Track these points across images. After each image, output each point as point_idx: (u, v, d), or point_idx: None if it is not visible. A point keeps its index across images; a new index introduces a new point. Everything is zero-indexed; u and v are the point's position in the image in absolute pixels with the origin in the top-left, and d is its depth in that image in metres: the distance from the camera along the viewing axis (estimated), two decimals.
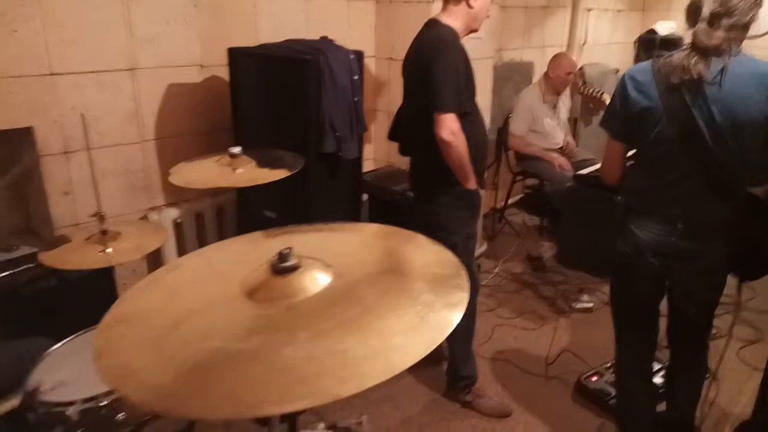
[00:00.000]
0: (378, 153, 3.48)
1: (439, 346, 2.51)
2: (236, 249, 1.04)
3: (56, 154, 2.30)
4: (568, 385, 2.58)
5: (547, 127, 3.90)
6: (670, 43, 4.26)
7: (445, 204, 2.29)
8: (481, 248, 3.80)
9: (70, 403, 1.36)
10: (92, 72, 2.32)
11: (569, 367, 2.69)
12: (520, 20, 4.28)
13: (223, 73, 2.60)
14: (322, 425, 1.53)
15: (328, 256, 0.90)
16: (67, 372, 1.50)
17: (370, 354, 0.70)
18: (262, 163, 1.83)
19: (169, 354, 0.70)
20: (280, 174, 1.77)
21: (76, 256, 1.71)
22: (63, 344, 1.61)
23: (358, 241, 1.07)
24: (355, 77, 2.36)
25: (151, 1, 2.42)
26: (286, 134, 2.23)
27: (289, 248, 0.81)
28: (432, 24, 2.21)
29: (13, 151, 2.35)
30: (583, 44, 4.93)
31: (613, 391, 2.35)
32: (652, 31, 4.46)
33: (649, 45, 4.40)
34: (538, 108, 3.87)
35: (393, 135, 2.50)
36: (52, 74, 2.22)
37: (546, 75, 3.88)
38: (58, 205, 2.34)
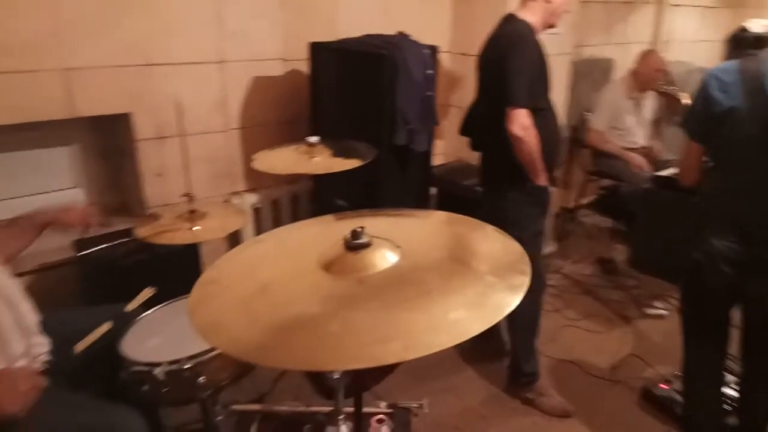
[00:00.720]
0: (449, 148, 3.51)
1: (502, 341, 2.57)
2: (311, 229, 1.12)
3: (150, 139, 2.50)
4: (634, 390, 2.53)
5: (628, 125, 3.78)
6: (764, 41, 4.00)
7: (514, 200, 2.29)
8: (550, 248, 3.76)
9: (157, 364, 1.49)
10: (185, 64, 2.50)
11: (636, 373, 2.63)
12: (600, 15, 4.16)
13: (303, 66, 2.72)
14: (383, 404, 1.60)
15: (396, 239, 0.96)
16: (155, 337, 1.65)
17: (433, 325, 0.76)
18: (337, 152, 1.91)
19: (253, 313, 0.79)
20: (353, 163, 1.85)
21: (167, 233, 1.86)
22: (152, 311, 1.76)
23: (426, 227, 1.12)
24: (429, 72, 2.41)
25: None
26: (361, 126, 2.31)
27: (361, 227, 0.88)
28: (508, 19, 2.22)
29: (114, 135, 2.58)
30: (668, 41, 4.73)
31: (681, 401, 2.28)
32: (744, 29, 4.21)
33: (740, 43, 4.16)
34: (621, 104, 3.76)
35: (464, 130, 2.53)
36: (149, 65, 2.41)
37: (633, 71, 3.76)
38: (150, 186, 2.54)
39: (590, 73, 4.17)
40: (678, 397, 2.32)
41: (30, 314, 1.51)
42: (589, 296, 3.36)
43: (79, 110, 2.30)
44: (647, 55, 3.72)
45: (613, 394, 2.54)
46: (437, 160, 3.47)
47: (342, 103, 2.48)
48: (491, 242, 1.00)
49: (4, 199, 2.39)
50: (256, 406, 1.57)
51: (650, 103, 3.89)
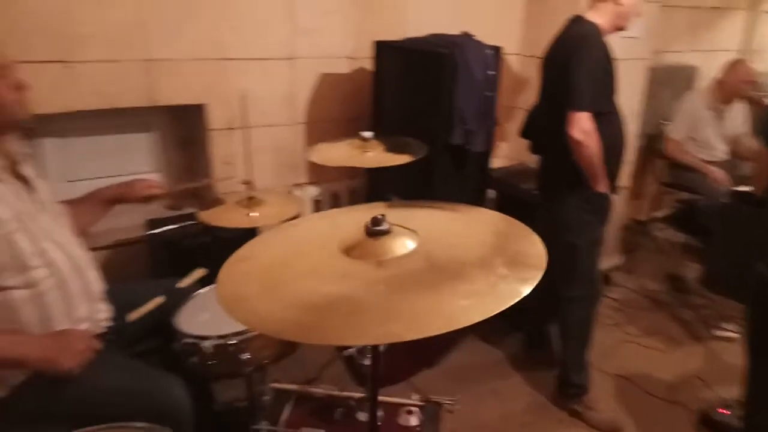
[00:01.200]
0: (512, 151, 3.46)
1: (553, 350, 2.51)
2: (348, 216, 1.15)
3: (221, 129, 2.64)
4: (691, 413, 2.40)
5: (707, 136, 3.58)
6: None
7: (572, 205, 2.25)
8: (615, 260, 3.62)
9: (206, 338, 1.59)
10: (257, 59, 2.63)
11: (696, 395, 2.50)
12: (685, 21, 3.96)
13: (369, 64, 2.79)
14: (416, 396, 1.62)
15: (432, 229, 0.98)
16: (208, 312, 1.75)
17: (437, 309, 0.78)
18: (389, 147, 1.95)
19: (272, 288, 0.84)
20: (403, 159, 1.88)
21: (226, 217, 1.96)
22: (207, 289, 1.87)
23: (467, 222, 1.11)
24: (490, 72, 2.40)
25: None
26: (418, 124, 2.34)
27: (382, 215, 0.91)
28: (576, 20, 2.18)
29: (189, 124, 2.74)
30: (759, 51, 4.41)
31: (740, 428, 2.14)
32: None
33: None
34: (701, 114, 3.56)
35: (525, 132, 2.50)
36: (224, 59, 2.55)
37: (718, 81, 3.55)
38: (219, 173, 2.68)
39: (671, 81, 3.98)
40: (737, 424, 2.18)
41: (96, 283, 1.65)
42: (653, 313, 3.21)
43: (159, 99, 2.47)
44: (736, 65, 3.50)
45: (668, 415, 2.42)
46: (499, 162, 3.43)
47: (402, 101, 2.52)
48: (526, 245, 0.98)
49: (91, 179, 2.60)
50: (293, 386, 1.63)
51: (735, 115, 3.66)
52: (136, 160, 2.73)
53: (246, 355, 1.61)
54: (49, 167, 2.52)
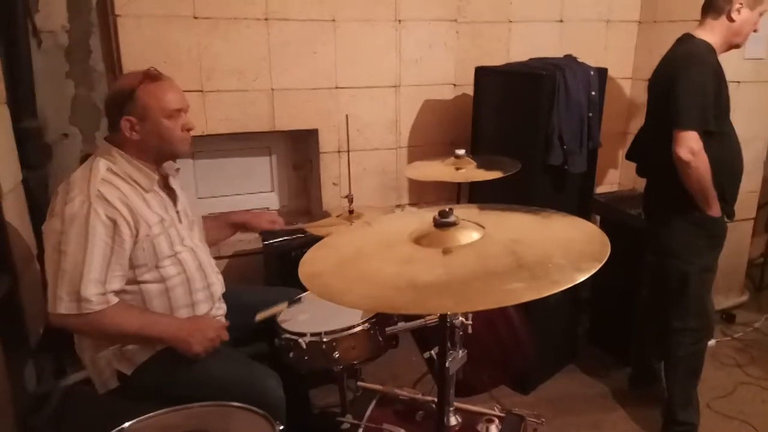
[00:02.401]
0: (623, 177, 3.35)
1: (662, 387, 2.36)
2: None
3: (331, 152, 2.85)
4: None
5: None
6: None
7: (680, 229, 2.15)
8: (742, 297, 3.32)
9: (302, 335, 1.73)
10: (366, 87, 2.82)
11: None
12: None
13: (471, 90, 2.87)
14: (497, 407, 1.62)
15: (504, 227, 1.04)
16: (307, 314, 1.90)
17: (488, 289, 0.83)
18: (481, 164, 2.01)
19: (344, 267, 0.94)
20: (494, 174, 1.94)
21: (328, 229, 2.13)
22: (308, 294, 2.03)
23: (547, 224, 1.13)
24: (593, 93, 2.38)
25: (419, 28, 2.83)
26: (516, 146, 2.37)
27: (450, 208, 0.98)
28: (685, 39, 2.12)
29: (304, 148, 3.00)
30: None
31: None
32: None
33: None
34: None
35: (631, 154, 2.44)
36: (336, 88, 2.77)
37: None
38: (327, 193, 2.89)
39: None
40: None
41: (218, 285, 1.86)
42: None
43: (278, 125, 2.74)
44: None
45: None
46: (609, 188, 3.33)
47: (500, 123, 2.57)
48: (595, 245, 1.00)
49: (217, 197, 2.92)
50: (378, 386, 1.71)
51: None
52: (256, 181, 3.02)
53: (336, 354, 1.72)
54: (182, 185, 2.86)
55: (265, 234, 2.67)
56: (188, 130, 1.70)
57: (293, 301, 1.93)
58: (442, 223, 0.99)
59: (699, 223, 2.11)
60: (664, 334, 2.29)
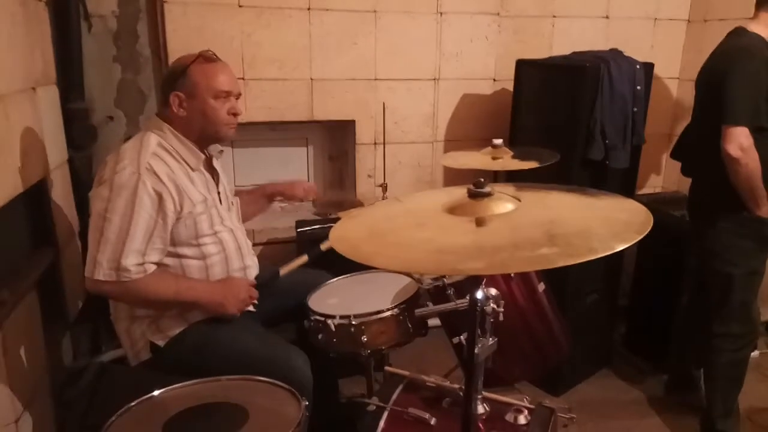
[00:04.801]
0: (667, 180, 3.25)
1: (700, 396, 2.26)
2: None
3: (368, 144, 2.85)
4: None
5: None
6: None
7: (726, 230, 2.07)
8: None
9: (331, 317, 1.72)
10: (405, 79, 2.81)
11: None
12: None
13: (511, 86, 2.83)
14: (527, 398, 1.58)
15: (543, 202, 1.01)
16: (336, 297, 1.90)
17: (520, 255, 0.80)
18: (518, 155, 1.98)
19: (375, 233, 0.93)
20: (531, 164, 1.90)
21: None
22: (338, 279, 2.03)
23: (591, 203, 1.08)
24: (638, 88, 2.31)
25: (461, 22, 2.80)
26: (556, 140, 2.31)
27: (483, 179, 0.96)
28: (737, 32, 2.05)
29: (341, 139, 3.00)
30: None
31: None
32: None
33: None
34: None
35: (676, 153, 2.36)
36: (375, 79, 2.77)
37: None
38: (362, 185, 2.88)
39: None
40: None
41: (253, 268, 1.88)
42: None
43: (316, 115, 2.75)
44: None
45: None
46: (652, 189, 3.24)
47: (540, 117, 2.52)
48: (638, 220, 0.95)
49: (253, 185, 2.95)
50: (405, 372, 1.69)
51: None
52: (293, 171, 3.04)
53: (364, 338, 1.71)
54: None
55: (299, 222, 2.69)
56: (234, 114, 1.72)
57: (314, 253, 1.93)
58: (477, 193, 0.97)
59: (746, 224, 2.02)
60: (705, 340, 2.20)
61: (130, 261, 1.52)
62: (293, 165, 3.05)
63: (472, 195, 0.97)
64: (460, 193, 1.02)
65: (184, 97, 1.65)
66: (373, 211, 1.13)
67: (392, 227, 0.99)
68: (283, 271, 1.85)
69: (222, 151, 1.88)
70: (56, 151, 2.21)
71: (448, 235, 0.91)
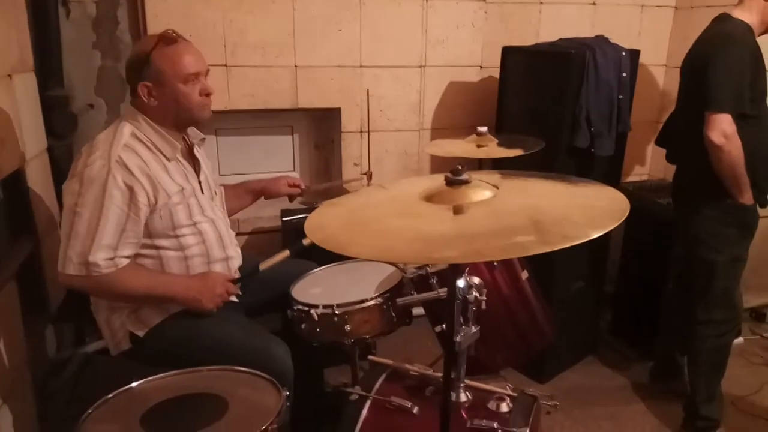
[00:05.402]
0: (653, 168, 3.25)
1: (685, 382, 2.28)
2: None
3: (353, 132, 2.82)
4: None
5: None
6: None
7: (710, 217, 2.07)
8: None
9: (314, 306, 1.71)
10: (390, 67, 2.79)
11: None
12: None
13: (498, 73, 2.81)
14: (510, 386, 1.58)
15: (528, 193, 1.00)
16: (319, 286, 1.89)
17: (495, 243, 0.79)
18: (503, 142, 1.97)
19: (348, 218, 0.92)
20: (515, 152, 1.89)
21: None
22: (321, 268, 2.01)
23: (572, 193, 1.07)
24: (624, 75, 2.30)
25: (447, 8, 2.78)
26: (542, 128, 2.30)
27: (461, 166, 0.95)
28: (721, 18, 2.04)
29: (326, 127, 2.98)
30: None
31: None
32: None
33: None
34: None
35: (661, 139, 2.36)
36: (361, 66, 2.74)
37: None
38: (349, 173, 2.86)
39: None
40: None
41: (236, 258, 1.85)
42: None
43: (301, 102, 2.72)
44: None
45: None
46: (638, 177, 3.24)
47: (526, 105, 2.51)
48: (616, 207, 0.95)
49: (239, 174, 2.92)
50: (388, 361, 1.68)
51: None
52: (278, 160, 3.01)
53: (348, 327, 1.70)
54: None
55: (284, 211, 2.66)
56: (207, 94, 1.68)
57: (296, 248, 1.90)
58: (454, 180, 0.95)
59: (730, 211, 2.03)
60: (688, 327, 2.22)
61: (99, 256, 1.50)
62: (278, 154, 3.02)
63: (450, 183, 0.96)
64: (442, 180, 1.01)
65: (152, 86, 1.60)
66: (352, 200, 1.11)
67: (370, 216, 0.97)
68: (264, 266, 1.81)
69: (204, 139, 1.85)
70: (34, 139, 2.17)
71: (425, 224, 0.90)
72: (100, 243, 1.50)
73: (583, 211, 0.88)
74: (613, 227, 0.80)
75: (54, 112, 2.32)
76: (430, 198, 0.97)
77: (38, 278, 2.10)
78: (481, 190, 0.95)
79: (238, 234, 2.73)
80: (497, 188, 0.97)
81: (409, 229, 0.88)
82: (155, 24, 2.39)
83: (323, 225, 0.95)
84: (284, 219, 2.58)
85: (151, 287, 1.59)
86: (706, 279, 2.11)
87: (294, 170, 3.06)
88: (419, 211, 0.94)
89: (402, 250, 0.81)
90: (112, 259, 1.52)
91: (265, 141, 2.98)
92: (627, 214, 0.85)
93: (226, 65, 2.55)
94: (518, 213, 0.88)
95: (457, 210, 0.92)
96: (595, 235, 0.77)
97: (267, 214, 2.79)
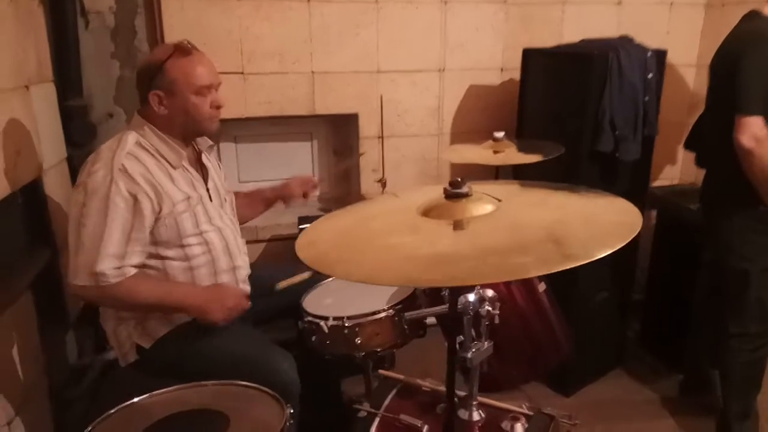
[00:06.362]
0: (684, 172, 3.12)
1: (717, 396, 2.17)
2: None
3: (372, 137, 2.78)
4: None
5: None
6: None
7: (742, 224, 1.97)
8: None
9: (324, 318, 1.67)
10: (408, 71, 2.74)
11: None
12: None
13: (518, 75, 2.74)
14: (526, 405, 1.51)
15: (533, 206, 0.94)
16: (331, 297, 1.85)
17: (489, 264, 0.73)
18: (521, 148, 1.90)
19: (344, 233, 0.87)
20: (534, 158, 1.82)
21: None
22: (332, 279, 1.97)
23: (580, 205, 1.01)
24: (649, 76, 2.20)
25: (466, 10, 2.72)
26: (564, 132, 2.22)
27: (461, 178, 0.90)
28: (751, 16, 1.93)
29: (345, 133, 2.95)
30: None
31: None
32: None
33: None
34: None
35: (689, 143, 2.26)
36: (378, 71, 2.70)
37: None
38: (367, 179, 2.82)
39: None
40: None
41: (244, 269, 1.82)
42: None
43: (318, 109, 2.69)
44: None
45: None
46: (667, 182, 3.12)
47: (548, 108, 2.43)
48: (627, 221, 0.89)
49: (256, 181, 2.91)
50: (400, 375, 1.63)
51: None
52: (297, 166, 2.98)
53: (359, 339, 1.66)
54: (225, 168, 2.87)
55: (301, 219, 2.64)
56: (218, 107, 1.66)
57: (317, 272, 1.86)
58: (454, 193, 0.90)
59: (763, 219, 1.92)
60: (720, 339, 2.11)
61: (105, 266, 1.48)
62: (298, 160, 3.00)
63: (449, 196, 0.91)
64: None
65: (163, 95, 1.60)
66: (350, 212, 1.07)
67: (365, 232, 0.93)
68: (281, 285, 1.78)
69: (212, 145, 1.83)
70: (53, 149, 2.20)
71: (422, 241, 0.85)
72: (106, 252, 1.49)
73: (591, 226, 0.82)
74: (621, 245, 0.74)
75: (73, 122, 2.34)
76: (428, 212, 0.92)
77: (56, 287, 2.12)
78: (482, 204, 0.90)
79: (256, 242, 2.75)
80: (500, 201, 0.91)
81: (403, 247, 0.83)
82: (172, 33, 2.39)
83: (316, 240, 0.91)
84: (301, 227, 2.56)
85: (161, 296, 1.57)
86: (739, 289, 2.01)
87: (313, 176, 3.03)
88: (417, 227, 0.89)
89: (390, 272, 0.76)
90: (119, 268, 1.51)
91: (284, 148, 2.96)
92: (638, 230, 0.79)
93: (243, 73, 2.54)
94: (520, 229, 0.82)
95: (457, 225, 0.87)
96: (600, 255, 0.71)
97: (285, 221, 2.77)
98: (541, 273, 0.68)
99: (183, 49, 1.61)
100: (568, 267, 0.69)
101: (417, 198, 1.13)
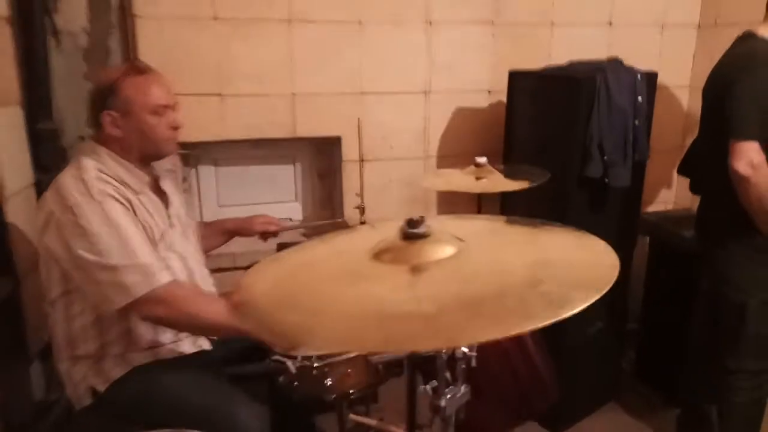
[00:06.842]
0: (679, 197, 3.03)
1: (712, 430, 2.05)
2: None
3: (355, 160, 2.68)
4: None
5: None
6: None
7: (739, 254, 1.87)
8: None
9: (292, 358, 1.56)
10: (393, 93, 2.66)
11: None
12: None
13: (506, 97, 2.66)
14: None
15: (499, 247, 0.85)
16: None
17: (453, 321, 0.63)
18: (506, 174, 1.81)
19: (282, 276, 0.77)
20: (518, 185, 1.73)
21: None
22: None
23: (551, 246, 0.93)
24: (639, 99, 2.12)
25: (452, 31, 2.65)
26: (551, 156, 2.14)
27: (421, 216, 0.80)
28: (746, 37, 1.86)
29: (328, 156, 2.86)
30: None
31: None
32: None
33: None
34: None
35: (683, 168, 2.17)
36: (362, 93, 2.62)
37: None
38: (349, 205, 2.72)
39: None
40: None
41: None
42: None
43: (300, 131, 2.61)
44: None
45: None
46: (662, 207, 3.03)
47: (535, 132, 2.35)
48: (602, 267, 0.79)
49: (239, 205, 2.82)
50: (371, 421, 1.52)
51: None
52: (280, 190, 2.90)
53: (329, 381, 1.54)
54: (204, 192, 2.78)
55: (280, 246, 2.54)
56: (175, 128, 1.57)
57: None
58: (411, 234, 0.80)
59: (760, 249, 1.82)
60: (717, 375, 1.99)
61: (146, 258, 1.42)
62: (280, 184, 2.90)
63: (406, 237, 0.81)
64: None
65: (117, 116, 1.51)
66: (299, 252, 0.97)
67: (306, 278, 0.82)
68: None
69: (171, 170, 1.74)
70: (18, 174, 2.10)
71: (371, 290, 0.75)
72: (135, 246, 1.42)
73: (560, 273, 0.72)
74: (592, 301, 0.64)
75: (42, 146, 2.25)
76: (381, 255, 0.81)
77: (17, 319, 2.01)
78: (441, 246, 0.80)
79: (233, 269, 2.63)
80: (462, 241, 0.81)
81: (341, 299, 0.72)
82: (147, 53, 2.32)
83: (256, 284, 0.80)
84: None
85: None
86: (736, 323, 1.90)
87: (296, 200, 2.94)
88: (369, 273, 0.79)
89: (322, 333, 0.65)
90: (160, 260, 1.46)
91: (266, 171, 2.87)
92: (614, 279, 0.68)
93: (220, 94, 2.46)
94: (474, 279, 0.72)
95: (414, 271, 0.77)
96: (566, 315, 0.61)
97: (264, 248, 2.66)
98: (492, 338, 0.58)
99: (137, 68, 1.54)
100: (525, 330, 0.58)
101: (392, 230, 1.04)
